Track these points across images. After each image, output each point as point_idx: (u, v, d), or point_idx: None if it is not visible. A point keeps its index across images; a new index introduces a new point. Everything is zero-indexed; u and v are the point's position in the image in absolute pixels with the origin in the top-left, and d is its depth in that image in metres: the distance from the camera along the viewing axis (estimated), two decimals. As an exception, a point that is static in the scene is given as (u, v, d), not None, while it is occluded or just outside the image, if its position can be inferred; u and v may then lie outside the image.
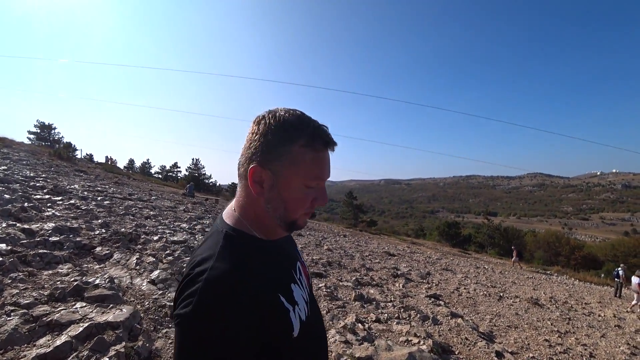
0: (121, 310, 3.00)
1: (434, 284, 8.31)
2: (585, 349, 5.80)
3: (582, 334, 6.75)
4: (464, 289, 8.48)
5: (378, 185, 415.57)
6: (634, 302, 11.53)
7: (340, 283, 6.52)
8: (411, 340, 4.25)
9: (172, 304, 3.50)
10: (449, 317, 5.70)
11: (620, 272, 15.53)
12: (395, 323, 4.91)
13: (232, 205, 0.87)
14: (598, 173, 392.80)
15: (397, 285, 7.47)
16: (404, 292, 6.95)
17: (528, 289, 11.00)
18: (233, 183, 40.17)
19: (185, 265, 4.88)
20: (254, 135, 0.78)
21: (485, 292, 8.42)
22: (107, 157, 34.59)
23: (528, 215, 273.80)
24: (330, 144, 0.79)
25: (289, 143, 0.75)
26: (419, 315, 5.47)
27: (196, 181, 35.28)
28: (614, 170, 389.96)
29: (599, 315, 8.93)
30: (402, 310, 5.64)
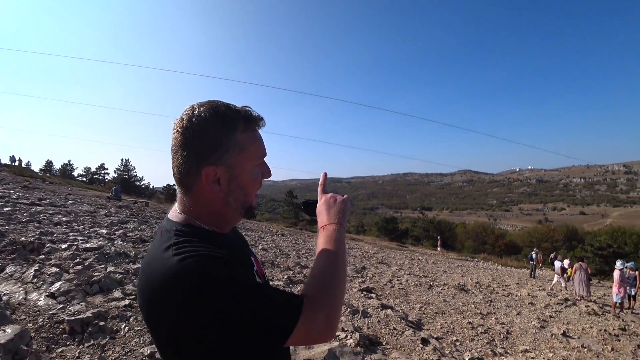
0: (4, 331, 2.60)
1: (368, 278, 8.40)
2: (503, 327, 6.20)
3: (501, 313, 7.23)
4: (397, 280, 8.69)
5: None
6: (554, 281, 12.82)
7: (272, 282, 6.28)
8: (338, 335, 4.14)
9: (72, 317, 3.05)
10: (379, 309, 5.73)
11: (534, 256, 17.34)
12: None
13: (175, 208, 0.82)
14: (517, 169, 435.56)
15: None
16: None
17: (457, 277, 11.66)
18: (168, 185, 37.82)
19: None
20: (188, 138, 0.73)
21: (417, 282, 8.70)
22: (12, 157, 29.10)
23: (459, 208, 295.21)
24: (261, 120, 0.81)
25: (231, 133, 0.75)
26: (349, 309, 5.42)
27: (126, 183, 32.66)
28: (529, 167, 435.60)
29: (516, 295, 9.71)
30: (334, 305, 5.54)
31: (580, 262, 12.58)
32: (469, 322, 6.08)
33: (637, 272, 11.31)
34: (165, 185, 38.70)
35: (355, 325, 4.93)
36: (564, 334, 6.28)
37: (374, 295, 6.80)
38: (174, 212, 0.82)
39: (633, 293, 10.89)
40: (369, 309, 5.71)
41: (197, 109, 0.75)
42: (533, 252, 17.80)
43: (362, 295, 6.62)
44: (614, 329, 7.27)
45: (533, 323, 6.73)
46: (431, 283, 9.03)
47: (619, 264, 11.00)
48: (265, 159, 0.86)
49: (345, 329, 4.42)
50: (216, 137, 0.73)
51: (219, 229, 0.82)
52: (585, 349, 5.73)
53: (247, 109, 0.80)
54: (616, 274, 10.52)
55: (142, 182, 37.05)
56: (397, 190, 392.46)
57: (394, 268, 10.84)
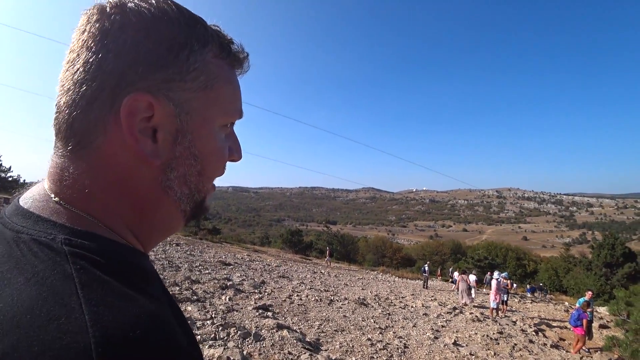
0: None
1: (266, 294, 7.71)
2: (401, 341, 6.08)
3: (398, 326, 7.19)
4: (297, 296, 8.16)
5: (226, 192, 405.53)
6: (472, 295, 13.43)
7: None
8: (218, 369, 3.38)
9: None
10: (275, 330, 5.09)
11: (426, 268, 18.76)
12: (207, 346, 3.96)
13: (42, 188, 0.40)
14: (414, 190, 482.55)
15: (223, 298, 6.53)
16: (229, 306, 6.05)
17: (357, 290, 11.65)
18: (43, 178, 31.58)
19: None
20: (110, 39, 0.36)
21: (317, 297, 8.29)
22: None
23: (362, 223, 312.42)
24: (244, 58, 0.46)
25: (200, 46, 0.40)
26: (239, 332, 4.65)
27: None
28: (424, 188, 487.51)
29: (412, 307, 9.99)
30: (220, 328, 4.73)
31: (461, 274, 13.85)
32: (369, 339, 5.79)
33: (509, 281, 12.78)
34: (41, 179, 32.39)
35: (245, 352, 4.21)
36: (454, 343, 6.45)
37: (270, 313, 6.13)
38: (43, 200, 0.38)
39: (505, 299, 12.24)
40: (263, 331, 5.03)
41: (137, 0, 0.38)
42: (425, 265, 19.25)
43: (257, 314, 5.89)
44: (493, 334, 7.84)
45: (428, 334, 6.79)
46: (332, 297, 8.72)
47: (495, 274, 12.28)
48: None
49: (232, 359, 3.68)
50: (165, 45, 0.37)
51: (144, 241, 0.42)
52: (473, 356, 5.95)
53: (219, 29, 0.43)
54: (493, 283, 11.69)
55: (9, 174, 29.91)
56: (304, 204, 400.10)
57: (295, 282, 10.32)
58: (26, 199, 0.39)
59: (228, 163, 0.48)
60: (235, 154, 0.48)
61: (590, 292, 10.43)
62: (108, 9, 0.37)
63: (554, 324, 11.96)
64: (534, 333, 9.11)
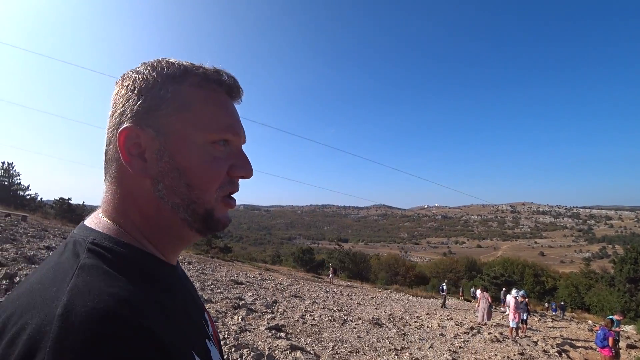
0: None
1: (278, 314, 7.60)
2: (417, 364, 5.89)
3: (415, 347, 6.97)
4: (310, 315, 8.02)
5: (237, 210, 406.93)
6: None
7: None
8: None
9: None
10: (288, 351, 4.99)
11: (444, 287, 18.42)
12: (219, 369, 3.87)
13: (98, 210, 0.54)
14: (425, 206, 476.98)
15: (236, 318, 6.45)
16: (242, 327, 5.98)
17: (371, 309, 11.41)
18: (62, 198, 32.26)
19: None
20: (118, 92, 0.52)
21: (330, 317, 8.13)
22: None
23: (373, 241, 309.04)
24: (232, 87, 0.56)
25: (173, 82, 0.51)
26: (253, 354, 4.59)
27: (3, 192, 27.02)
28: (436, 204, 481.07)
29: (427, 327, 9.71)
30: (234, 349, 4.67)
31: (483, 292, 13.45)
32: (384, 360, 5.63)
33: (526, 299, 12.34)
34: (57, 198, 32.94)
35: (257, 374, 4.14)
36: (473, 366, 6.21)
37: (283, 334, 6.02)
38: (94, 216, 0.53)
39: (525, 318, 11.80)
40: (276, 352, 4.94)
41: (145, 63, 0.54)
42: (444, 284, 18.88)
43: (270, 334, 5.80)
44: (514, 355, 7.54)
45: (445, 356, 6.57)
46: (345, 317, 8.55)
47: (514, 292, 11.89)
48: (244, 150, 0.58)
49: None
50: (146, 90, 0.50)
51: (164, 251, 0.53)
52: (494, 380, 5.70)
53: (216, 69, 0.55)
54: (512, 301, 11.30)
55: (27, 192, 30.62)
56: (316, 222, 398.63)
57: (307, 301, 10.16)
58: (88, 217, 0.54)
59: (241, 181, 0.56)
60: (240, 170, 0.54)
61: (621, 316, 9.91)
62: (121, 77, 0.53)
63: (578, 344, 11.45)
64: (557, 354, 8.73)
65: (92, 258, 0.43)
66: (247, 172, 0.55)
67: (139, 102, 0.49)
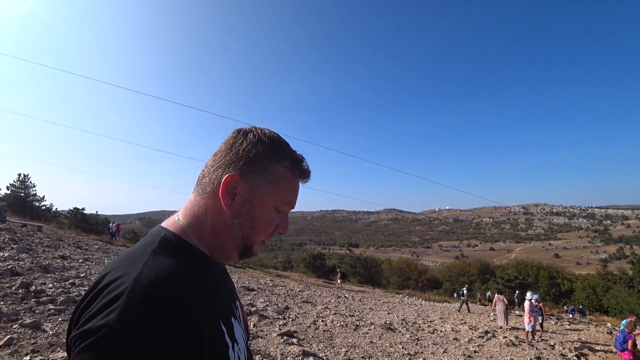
0: None
1: (290, 320, 7.59)
2: (431, 369, 5.81)
3: (428, 352, 6.89)
4: (322, 321, 7.99)
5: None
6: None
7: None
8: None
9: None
10: (301, 358, 4.99)
11: (464, 291, 18.39)
12: (232, 375, 3.88)
13: (176, 214, 0.75)
14: (437, 209, 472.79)
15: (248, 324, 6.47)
16: (254, 333, 5.99)
17: (383, 314, 11.31)
18: (76, 209, 32.70)
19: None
20: (240, 144, 0.73)
21: (342, 323, 8.09)
22: None
23: (385, 245, 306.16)
24: (307, 174, 0.79)
25: (276, 160, 0.73)
26: (264, 360, 4.58)
27: (20, 203, 27.56)
28: (447, 207, 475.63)
29: (441, 331, 9.58)
30: (246, 356, 4.66)
31: (499, 295, 13.26)
32: (397, 365, 5.57)
33: (541, 304, 12.10)
34: (72, 208, 33.38)
35: (270, 380, 4.13)
36: (489, 370, 6.10)
37: (295, 340, 6.01)
38: (172, 219, 0.74)
39: (540, 321, 11.57)
40: (288, 358, 4.94)
41: (259, 129, 0.76)
42: (464, 288, 18.78)
43: (282, 340, 5.80)
44: (530, 359, 7.39)
45: (460, 360, 6.47)
46: (357, 323, 8.48)
47: (529, 295, 11.67)
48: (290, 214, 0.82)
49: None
50: (258, 155, 0.72)
51: (212, 254, 0.73)
52: (510, 385, 5.58)
53: (302, 156, 0.78)
54: (527, 304, 11.08)
55: (43, 203, 31.21)
56: (326, 227, 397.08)
57: (319, 307, 10.12)
58: (164, 221, 0.75)
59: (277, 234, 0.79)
60: (282, 229, 0.76)
61: (635, 316, 9.69)
62: (245, 130, 0.76)
63: (597, 347, 11.16)
64: (575, 358, 8.53)
65: (160, 247, 0.64)
66: (284, 231, 0.77)
67: (250, 160, 0.71)
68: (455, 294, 28.10)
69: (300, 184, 0.79)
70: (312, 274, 28.09)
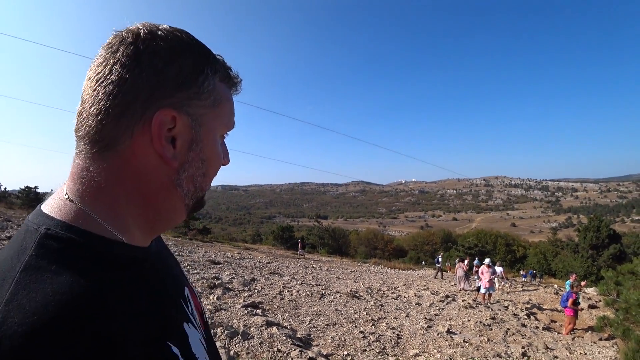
0: None
1: (256, 291, 7.54)
2: (394, 332, 5.99)
3: (391, 317, 7.12)
4: (288, 291, 8.02)
5: (215, 191, 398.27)
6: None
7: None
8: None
9: None
10: (264, 328, 4.93)
11: (439, 259, 19.35)
12: (192, 348, 3.77)
13: (62, 189, 0.46)
14: (403, 181, 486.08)
15: (211, 298, 6.34)
16: (217, 306, 5.87)
17: (350, 283, 11.57)
18: (27, 187, 30.63)
19: None
20: (154, 55, 0.44)
21: (308, 292, 8.16)
22: None
23: (353, 217, 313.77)
24: (239, 82, 0.57)
25: (211, 74, 0.50)
26: (227, 332, 4.49)
27: None
28: (413, 179, 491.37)
29: (404, 297, 9.95)
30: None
31: (460, 262, 14.14)
32: (361, 332, 5.69)
33: (481, 267, 12.86)
34: (23, 187, 31.29)
35: (232, 352, 4.06)
36: (448, 331, 6.39)
37: (259, 311, 5.97)
38: (57, 198, 0.45)
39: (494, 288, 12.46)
40: (251, 329, 4.87)
41: (160, 28, 0.47)
42: (439, 256, 19.68)
43: (246, 312, 5.73)
44: (486, 319, 7.85)
45: (421, 324, 6.73)
46: (323, 292, 8.60)
47: (487, 260, 12.35)
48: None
49: None
50: (188, 70, 0.46)
51: (137, 235, 0.48)
52: (467, 344, 5.89)
53: (230, 67, 0.55)
54: (485, 269, 11.74)
55: None
56: (295, 200, 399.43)
57: (286, 278, 10.17)
58: (46, 200, 0.47)
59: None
60: (226, 159, 0.58)
61: (574, 275, 10.55)
62: (142, 34, 0.45)
63: (545, 306, 12.09)
64: (525, 317, 9.17)
65: (41, 255, 0.37)
66: (229, 160, 0.59)
67: (176, 78, 0.45)
68: (423, 263, 29.49)
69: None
70: (281, 246, 28.26)
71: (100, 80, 0.43)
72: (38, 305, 0.32)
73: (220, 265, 10.58)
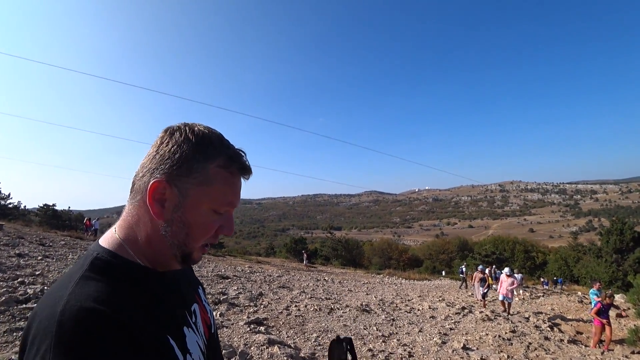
0: None
1: (262, 306, 7.28)
2: (405, 349, 5.63)
3: (403, 332, 6.74)
4: (295, 306, 7.73)
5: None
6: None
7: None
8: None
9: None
10: (265, 347, 4.67)
11: (464, 269, 18.72)
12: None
13: (114, 226, 0.70)
14: (416, 190, 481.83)
15: (214, 315, 6.11)
16: (219, 323, 5.65)
17: (361, 295, 11.20)
18: (46, 205, 31.15)
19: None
20: (166, 145, 0.67)
21: (317, 307, 7.85)
22: None
23: (366, 227, 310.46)
24: (247, 170, 0.72)
25: (204, 160, 0.66)
26: (224, 352, 4.25)
27: None
28: (426, 188, 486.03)
29: (418, 310, 9.51)
30: (206, 349, 4.32)
31: (477, 271, 13.59)
32: (369, 350, 5.36)
33: (514, 278, 12.30)
34: (42, 205, 31.73)
35: (228, 374, 3.81)
36: (464, 347, 5.99)
37: (263, 328, 5.70)
38: (109, 233, 0.69)
39: (486, 291, 11.94)
40: (251, 348, 4.62)
41: (189, 126, 0.69)
42: (463, 266, 19.09)
43: (249, 329, 5.48)
44: (506, 333, 7.36)
45: (435, 339, 6.33)
46: (332, 306, 8.27)
47: (506, 270, 11.82)
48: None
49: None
50: (185, 156, 0.65)
51: (153, 264, 0.68)
52: (485, 362, 5.49)
53: (240, 152, 0.72)
54: (504, 278, 11.22)
55: (9, 201, 29.29)
56: (308, 211, 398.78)
57: (295, 292, 9.87)
58: (106, 232, 0.71)
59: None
60: (225, 230, 0.70)
61: (597, 283, 9.95)
62: (173, 128, 0.69)
63: (569, 316, 11.44)
64: (548, 329, 8.63)
65: (90, 269, 0.60)
66: (229, 233, 0.70)
67: (176, 162, 0.65)
68: (443, 273, 28.69)
69: (242, 180, 0.72)
70: (294, 258, 27.90)
71: (147, 155, 0.68)
72: (87, 295, 0.54)
73: (229, 279, 10.37)
